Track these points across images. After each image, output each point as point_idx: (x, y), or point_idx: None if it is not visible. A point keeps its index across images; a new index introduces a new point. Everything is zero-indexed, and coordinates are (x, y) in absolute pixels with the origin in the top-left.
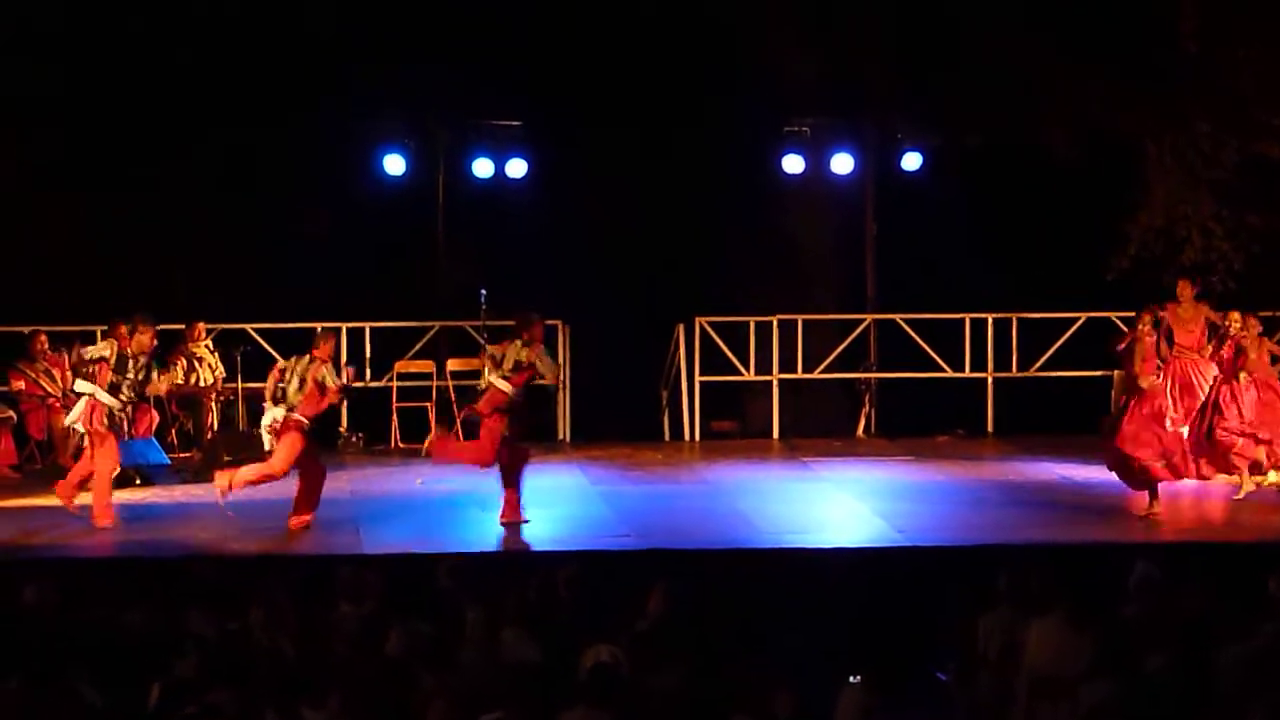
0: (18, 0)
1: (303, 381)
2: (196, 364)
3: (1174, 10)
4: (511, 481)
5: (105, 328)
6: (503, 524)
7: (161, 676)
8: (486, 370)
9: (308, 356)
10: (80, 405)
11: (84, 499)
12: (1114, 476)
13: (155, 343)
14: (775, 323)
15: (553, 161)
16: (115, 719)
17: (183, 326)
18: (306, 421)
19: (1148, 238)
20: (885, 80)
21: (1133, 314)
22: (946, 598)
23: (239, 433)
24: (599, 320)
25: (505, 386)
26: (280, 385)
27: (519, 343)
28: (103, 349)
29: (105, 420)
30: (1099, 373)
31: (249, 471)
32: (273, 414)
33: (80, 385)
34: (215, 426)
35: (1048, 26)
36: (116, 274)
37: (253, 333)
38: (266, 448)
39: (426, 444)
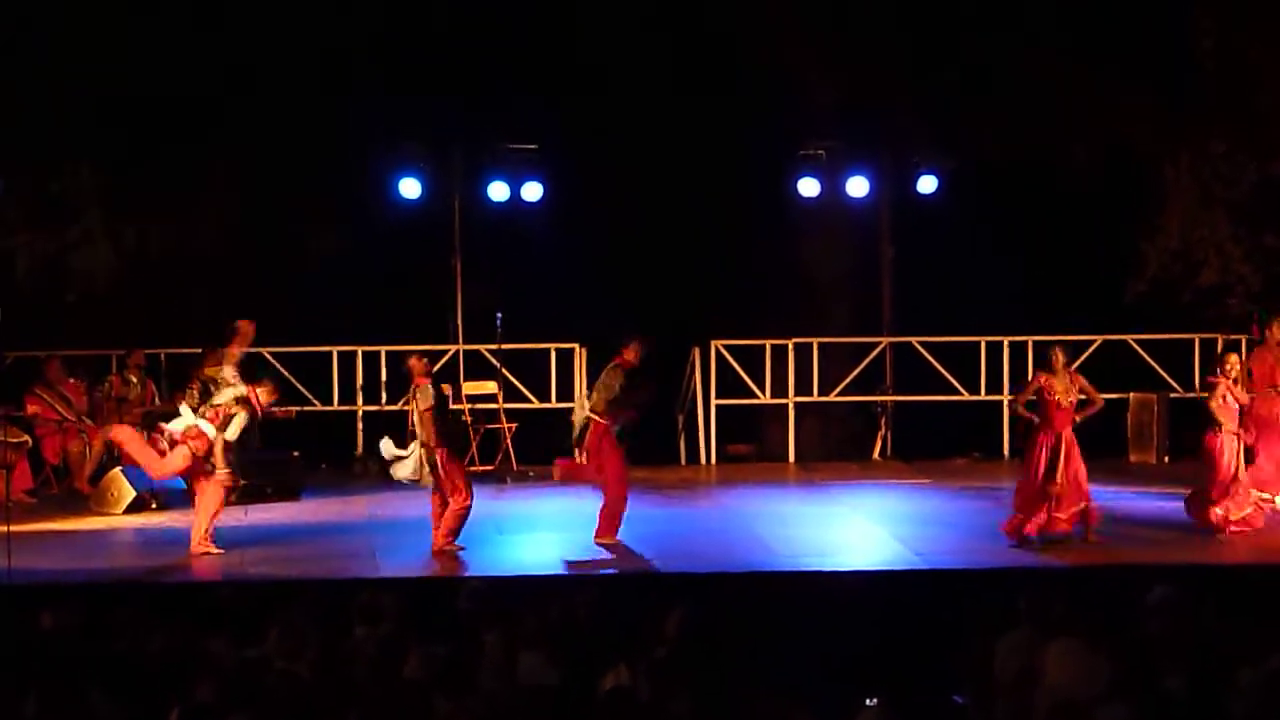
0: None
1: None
2: (213, 388)
3: (1191, 30)
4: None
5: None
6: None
7: (180, 701)
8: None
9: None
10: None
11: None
12: (1129, 499)
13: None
14: (791, 346)
15: (568, 185)
16: None
17: (200, 350)
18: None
19: (1165, 260)
20: (901, 103)
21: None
22: (964, 620)
23: (254, 455)
24: (615, 343)
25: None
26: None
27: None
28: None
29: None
30: (1114, 395)
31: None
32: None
33: (206, 426)
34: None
35: (1065, 48)
36: (133, 300)
37: (269, 356)
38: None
39: (555, 470)
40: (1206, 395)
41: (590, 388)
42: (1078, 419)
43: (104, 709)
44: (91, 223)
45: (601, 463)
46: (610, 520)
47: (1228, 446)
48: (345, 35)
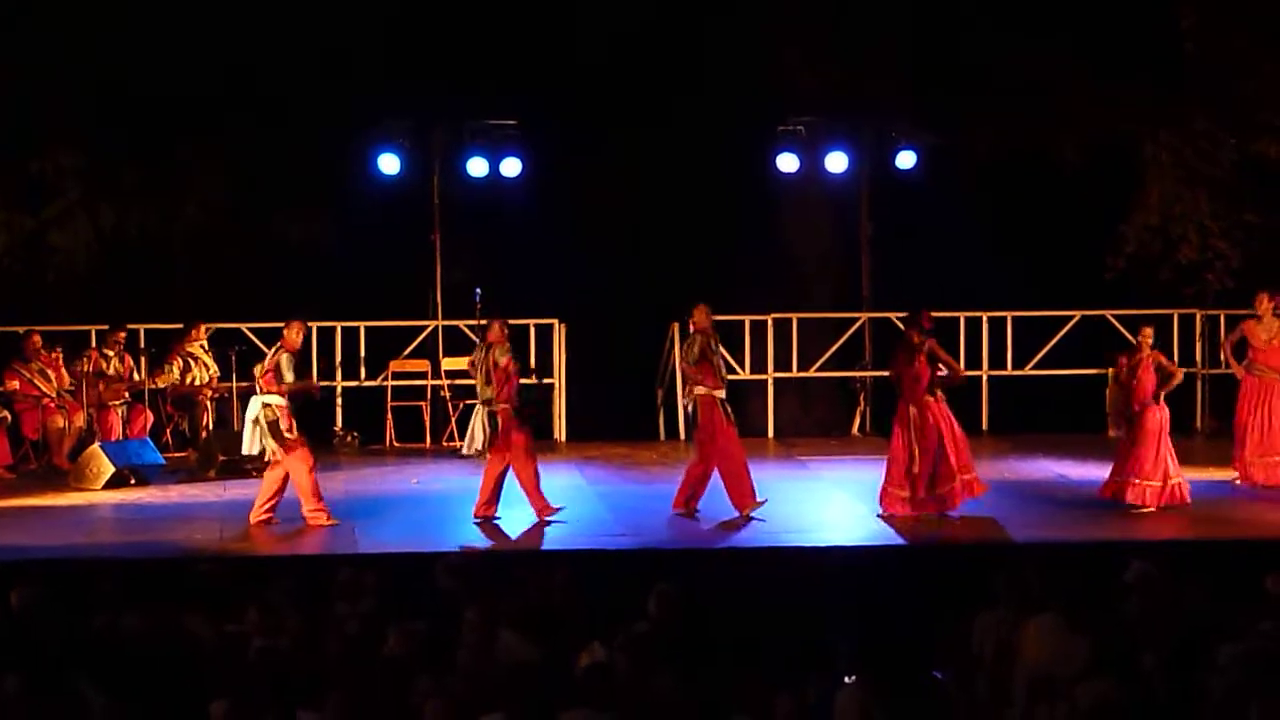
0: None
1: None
2: (192, 363)
3: (1172, 9)
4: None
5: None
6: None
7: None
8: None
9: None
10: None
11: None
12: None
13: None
14: (770, 322)
15: (547, 160)
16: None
17: (180, 326)
18: None
19: (1144, 236)
20: (882, 79)
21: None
22: (944, 597)
23: (233, 432)
24: (594, 319)
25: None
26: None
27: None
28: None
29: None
30: (1094, 371)
31: None
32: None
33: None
34: (210, 426)
35: (1047, 27)
36: (113, 274)
37: (247, 332)
38: (251, 440)
39: None
40: (1134, 369)
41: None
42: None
43: (85, 685)
44: (71, 201)
45: (713, 433)
46: (739, 489)
47: (1155, 418)
48: (325, 14)
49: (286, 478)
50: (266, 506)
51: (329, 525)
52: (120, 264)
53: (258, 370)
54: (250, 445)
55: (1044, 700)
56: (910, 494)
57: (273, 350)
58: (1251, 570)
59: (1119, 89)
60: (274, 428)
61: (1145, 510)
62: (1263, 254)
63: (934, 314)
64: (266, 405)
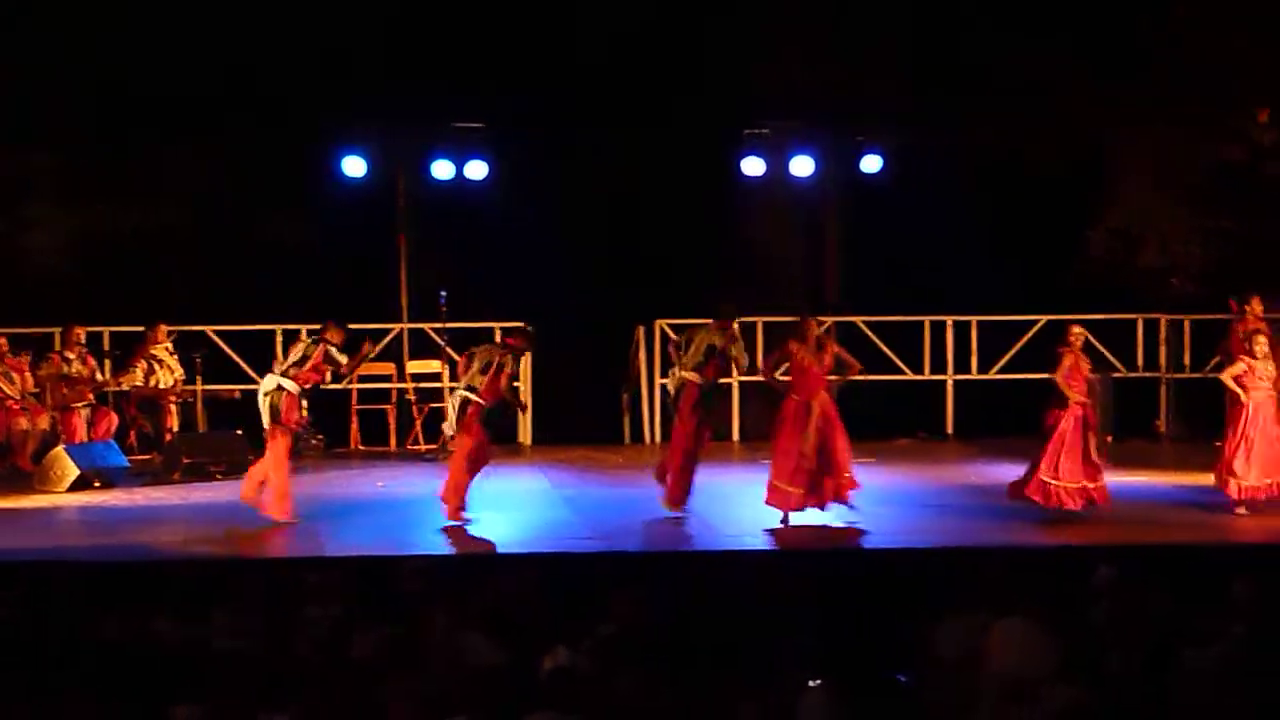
0: None
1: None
2: (157, 366)
3: (1142, 13)
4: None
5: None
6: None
7: (128, 680)
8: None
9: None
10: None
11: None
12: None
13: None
14: (735, 326)
15: (513, 163)
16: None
17: (143, 328)
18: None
19: (1109, 241)
20: (849, 82)
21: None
22: (908, 600)
23: (198, 435)
24: (560, 322)
25: (695, 378)
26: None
27: (714, 330)
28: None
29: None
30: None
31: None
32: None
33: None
34: (175, 429)
35: (1018, 30)
36: (81, 277)
37: (212, 334)
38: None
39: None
40: (1054, 368)
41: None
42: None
43: (48, 687)
44: (39, 203)
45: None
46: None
47: (1071, 418)
48: (292, 15)
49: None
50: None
51: (289, 523)
52: (87, 266)
53: (294, 365)
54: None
55: (1011, 704)
56: (794, 489)
57: (313, 344)
58: (1220, 574)
59: (1088, 93)
60: (274, 411)
61: (1066, 510)
62: (1233, 259)
63: (890, 318)
64: (279, 389)
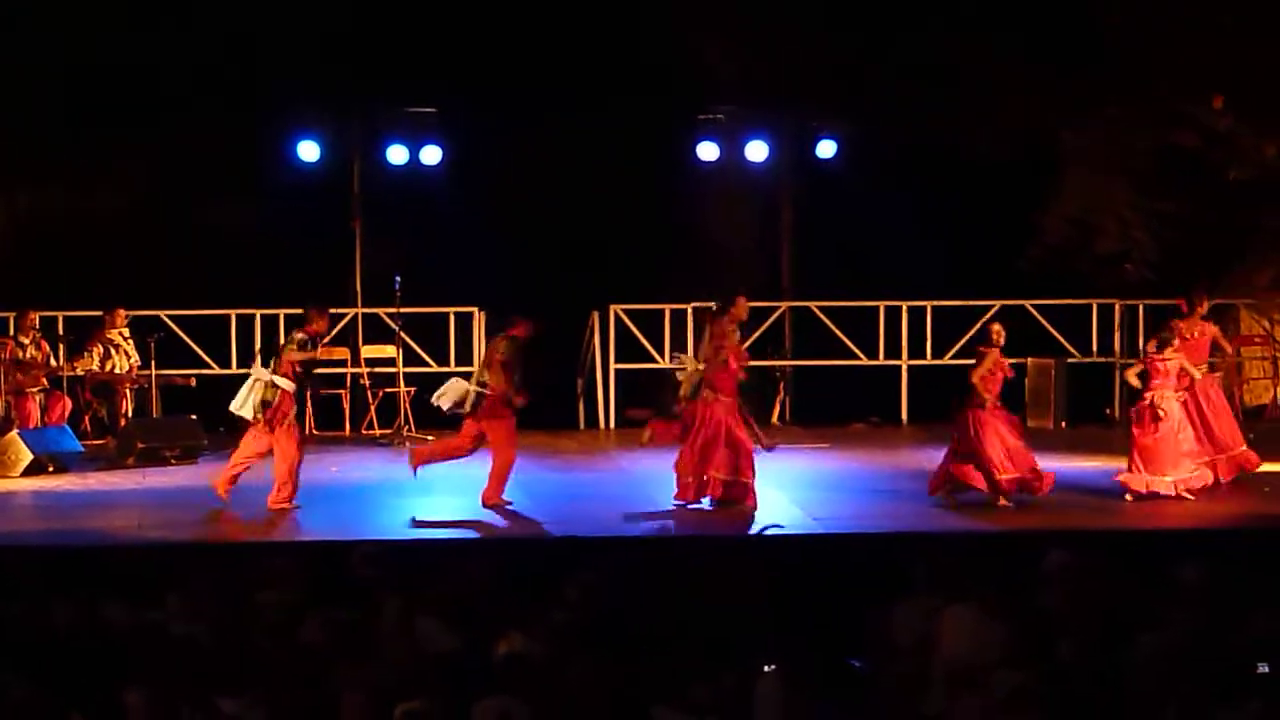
0: None
1: None
2: (112, 351)
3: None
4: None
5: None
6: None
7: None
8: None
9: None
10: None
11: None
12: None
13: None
14: (690, 310)
15: (467, 148)
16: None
17: (101, 313)
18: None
19: (1063, 226)
20: (802, 68)
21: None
22: (862, 585)
23: (153, 420)
24: (513, 308)
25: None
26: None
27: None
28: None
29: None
30: (1013, 360)
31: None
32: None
33: (281, 381)
34: (129, 414)
35: (966, 15)
36: (33, 261)
37: (166, 319)
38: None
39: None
40: (974, 365)
41: (697, 346)
42: None
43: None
44: None
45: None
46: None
47: (985, 419)
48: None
49: (265, 454)
50: (235, 475)
51: (291, 509)
52: (37, 249)
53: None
54: (240, 404)
55: (962, 689)
56: (693, 480)
57: (310, 340)
58: (1169, 559)
59: (1037, 78)
60: (265, 405)
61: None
62: (1181, 244)
63: (845, 303)
64: (273, 385)
